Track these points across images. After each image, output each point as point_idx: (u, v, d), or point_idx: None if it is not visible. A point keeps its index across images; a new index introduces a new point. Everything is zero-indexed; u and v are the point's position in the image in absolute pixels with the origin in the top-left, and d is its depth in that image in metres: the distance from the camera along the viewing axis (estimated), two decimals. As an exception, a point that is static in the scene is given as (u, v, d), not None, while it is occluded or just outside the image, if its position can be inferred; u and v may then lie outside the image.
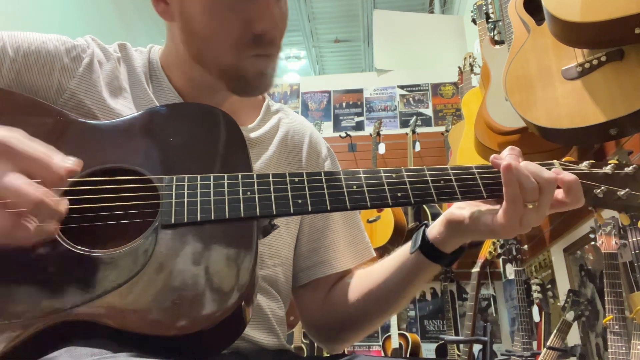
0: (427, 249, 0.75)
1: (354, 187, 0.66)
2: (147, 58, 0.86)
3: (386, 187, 0.67)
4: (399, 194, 0.67)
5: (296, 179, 0.66)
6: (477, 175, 0.69)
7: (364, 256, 0.93)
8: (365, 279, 0.85)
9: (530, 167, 0.66)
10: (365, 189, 0.66)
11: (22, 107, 0.68)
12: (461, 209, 0.72)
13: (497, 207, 0.68)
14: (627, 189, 0.70)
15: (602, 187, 0.71)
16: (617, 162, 0.73)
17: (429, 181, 0.68)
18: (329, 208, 0.65)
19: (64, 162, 0.56)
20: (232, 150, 0.70)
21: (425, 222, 0.78)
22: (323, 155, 0.95)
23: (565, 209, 0.69)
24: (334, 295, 0.88)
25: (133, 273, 0.56)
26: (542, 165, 0.68)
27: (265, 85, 0.80)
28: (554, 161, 0.73)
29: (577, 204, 0.68)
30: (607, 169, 0.72)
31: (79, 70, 0.75)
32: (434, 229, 0.75)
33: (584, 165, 0.73)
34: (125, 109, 0.77)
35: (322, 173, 0.67)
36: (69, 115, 0.70)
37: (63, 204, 0.55)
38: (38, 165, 0.54)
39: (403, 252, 0.79)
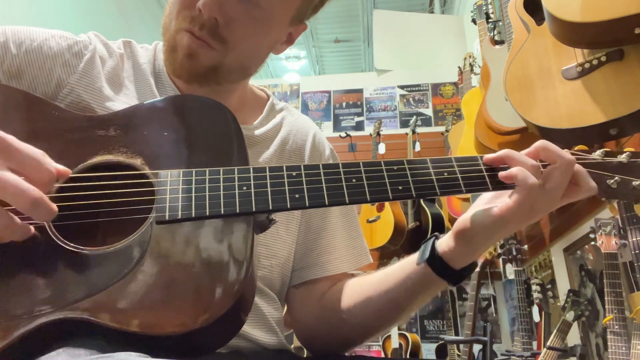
0: (435, 263, 0.70)
1: (353, 180, 0.64)
2: (153, 55, 0.85)
3: (387, 180, 0.64)
4: (400, 187, 0.64)
5: (294, 173, 0.64)
6: (482, 167, 0.67)
7: (361, 261, 0.91)
8: (364, 286, 0.81)
9: (550, 145, 0.65)
10: (365, 182, 0.64)
11: (19, 103, 0.68)
12: (464, 216, 0.69)
13: (502, 198, 0.66)
14: None
15: (616, 177, 0.66)
16: (633, 150, 0.68)
17: (432, 173, 0.65)
18: (327, 202, 0.62)
19: (55, 165, 0.56)
20: (229, 144, 0.69)
21: (436, 233, 0.74)
22: (326, 156, 0.94)
23: (578, 197, 0.66)
24: (328, 299, 0.85)
25: (126, 270, 0.55)
26: None
27: (196, 73, 0.76)
28: (566, 150, 0.69)
29: (589, 192, 0.65)
30: (622, 157, 0.67)
31: (80, 66, 0.75)
32: (444, 242, 0.71)
33: (597, 154, 0.69)
34: (125, 105, 0.76)
35: (321, 166, 0.65)
36: (66, 110, 0.69)
37: (55, 206, 0.54)
38: (30, 164, 0.53)
39: (409, 263, 0.75)
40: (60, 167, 0.58)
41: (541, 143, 0.66)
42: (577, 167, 0.65)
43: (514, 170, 0.63)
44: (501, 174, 0.64)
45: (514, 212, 0.63)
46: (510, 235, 2.43)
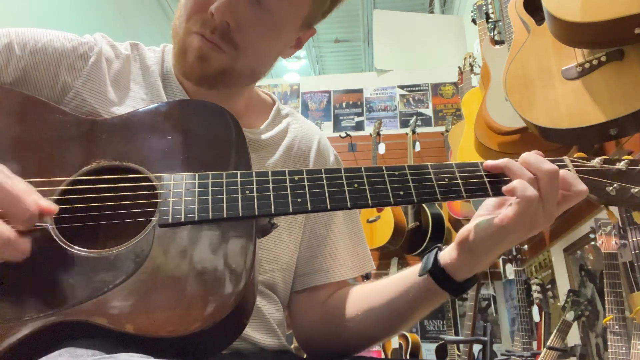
0: (438, 275, 0.70)
1: (355, 185, 0.65)
2: (161, 57, 0.85)
3: (388, 185, 0.65)
4: (402, 193, 0.65)
5: (296, 177, 0.65)
6: (482, 173, 0.67)
7: (364, 268, 0.91)
8: (368, 295, 0.81)
9: (530, 158, 0.65)
10: (366, 187, 0.65)
11: (23, 106, 0.68)
12: (467, 226, 0.69)
13: (503, 208, 0.66)
14: None
15: (615, 185, 0.67)
16: (631, 157, 0.69)
17: (433, 179, 0.66)
18: (329, 207, 0.63)
19: (39, 201, 0.55)
20: (232, 149, 0.69)
21: (438, 245, 0.75)
22: (330, 162, 0.95)
23: (572, 203, 0.65)
24: (331, 306, 0.85)
25: (129, 273, 0.55)
26: (552, 161, 0.66)
27: (206, 76, 0.76)
28: (565, 157, 0.70)
29: (580, 195, 0.65)
30: (621, 165, 0.68)
31: (85, 69, 0.75)
32: (447, 254, 0.71)
33: (596, 161, 0.69)
34: (130, 108, 0.76)
35: (323, 170, 0.66)
36: (70, 114, 0.70)
37: (27, 243, 0.54)
38: (9, 202, 0.53)
39: (411, 274, 0.75)
40: (45, 205, 0.55)
41: (522, 157, 0.66)
42: (563, 172, 0.65)
43: (513, 183, 0.64)
44: (504, 188, 0.65)
45: (515, 223, 0.63)
46: (513, 246, 2.42)
